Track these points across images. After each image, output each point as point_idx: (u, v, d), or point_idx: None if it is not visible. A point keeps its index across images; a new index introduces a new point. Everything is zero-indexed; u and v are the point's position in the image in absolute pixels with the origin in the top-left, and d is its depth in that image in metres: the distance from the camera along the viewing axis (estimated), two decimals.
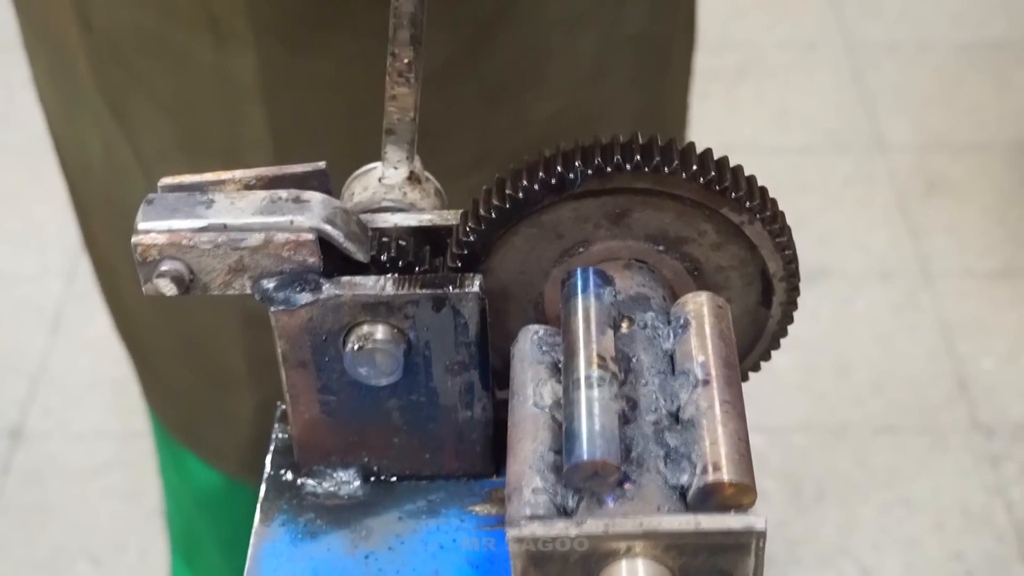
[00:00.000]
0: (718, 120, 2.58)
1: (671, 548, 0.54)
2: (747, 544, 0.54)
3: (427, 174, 0.75)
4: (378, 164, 0.74)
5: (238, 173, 0.67)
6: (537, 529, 0.54)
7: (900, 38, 3.03)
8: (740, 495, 0.57)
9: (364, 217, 0.69)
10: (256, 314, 1.13)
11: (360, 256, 0.66)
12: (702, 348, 0.62)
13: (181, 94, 1.05)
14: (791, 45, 3.01)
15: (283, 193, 0.65)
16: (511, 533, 0.54)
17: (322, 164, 0.68)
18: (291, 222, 0.64)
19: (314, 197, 0.65)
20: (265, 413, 1.20)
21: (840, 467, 2.18)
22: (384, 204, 0.73)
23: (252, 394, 1.21)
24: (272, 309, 0.65)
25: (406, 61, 0.72)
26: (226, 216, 0.64)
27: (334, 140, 0.98)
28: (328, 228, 0.64)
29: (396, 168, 0.74)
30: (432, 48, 0.97)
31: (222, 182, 0.67)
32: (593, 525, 0.54)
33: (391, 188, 0.73)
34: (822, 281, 2.43)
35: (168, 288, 0.64)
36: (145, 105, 1.07)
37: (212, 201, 0.65)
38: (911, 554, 2.06)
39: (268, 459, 0.73)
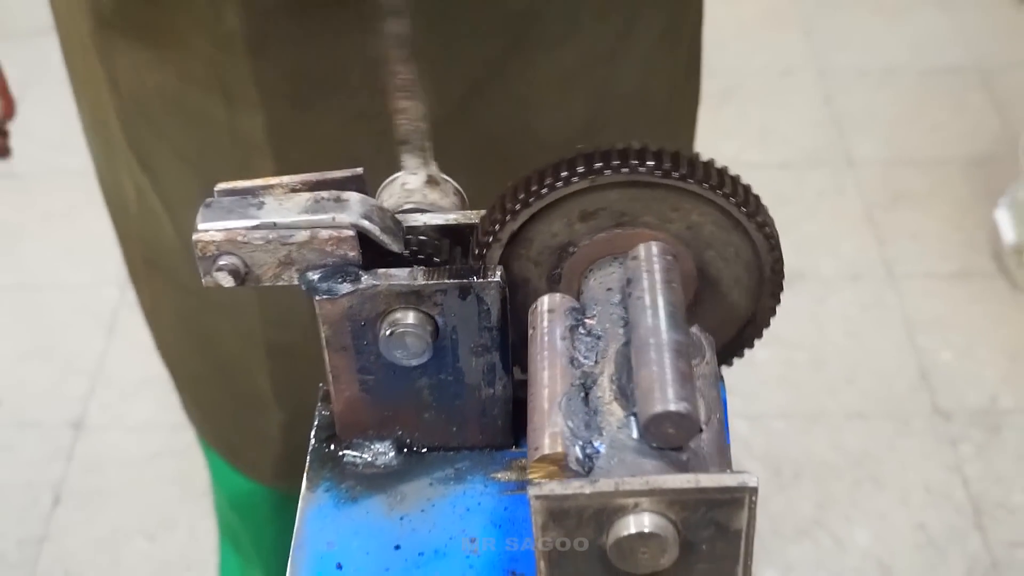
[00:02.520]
0: (705, 139, 2.57)
1: (674, 503, 0.55)
2: (741, 499, 0.55)
3: (444, 176, 0.76)
4: (401, 173, 0.75)
5: (285, 179, 0.68)
6: (556, 488, 0.55)
7: (867, 64, 3.03)
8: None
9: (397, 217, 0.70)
10: (278, 344, 1.13)
11: (395, 248, 0.66)
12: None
13: (199, 148, 1.04)
14: (769, 71, 3.02)
15: (325, 194, 0.66)
16: (532, 491, 0.55)
17: (359, 170, 0.69)
18: (333, 219, 0.65)
19: (352, 196, 0.66)
20: (291, 430, 1.20)
21: (816, 449, 2.18)
22: (407, 206, 0.73)
23: (278, 413, 1.20)
24: (316, 298, 0.66)
25: (408, 77, 0.73)
26: (275, 215, 0.65)
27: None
28: (366, 223, 0.65)
29: (415, 174, 0.74)
30: (423, 103, 0.97)
31: (271, 186, 0.68)
32: (604, 484, 0.55)
33: (412, 192, 0.74)
34: (798, 283, 2.44)
35: (226, 280, 0.65)
36: (169, 157, 1.06)
37: (263, 203, 0.66)
38: (879, 526, 2.06)
39: (312, 433, 0.74)
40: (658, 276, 0.65)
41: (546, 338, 0.64)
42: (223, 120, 1.00)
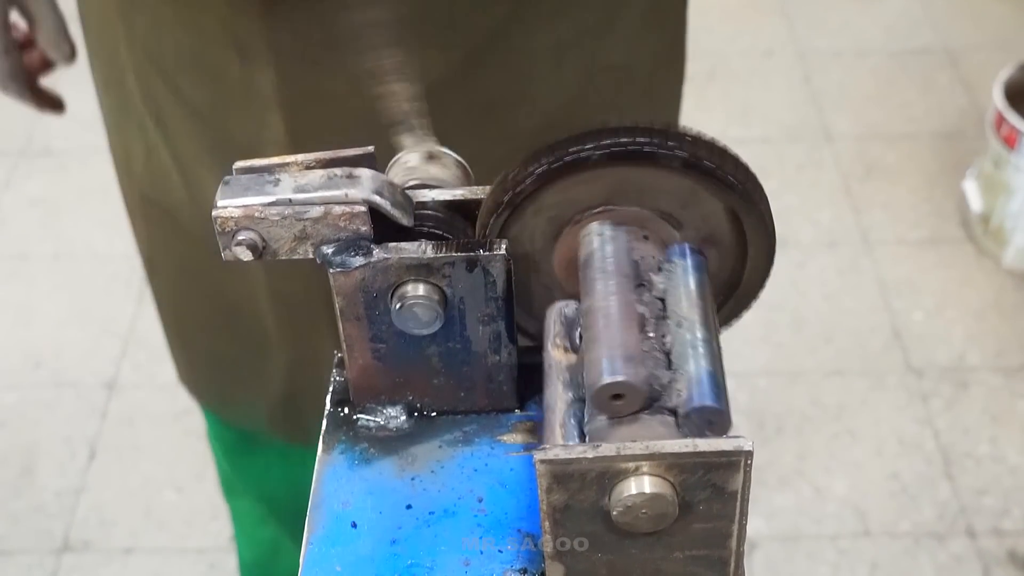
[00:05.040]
0: (691, 116, 2.56)
1: (673, 467, 0.53)
2: (737, 462, 0.53)
3: (443, 150, 0.73)
4: (402, 152, 0.73)
5: (300, 156, 0.66)
6: (560, 452, 0.53)
7: (842, 46, 3.01)
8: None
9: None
10: (281, 292, 1.10)
11: (405, 221, 0.64)
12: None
13: (212, 103, 1.01)
14: (751, 53, 2.99)
15: (338, 171, 0.64)
16: (538, 456, 0.53)
17: (371, 148, 0.67)
18: (346, 195, 0.63)
19: (364, 173, 0.64)
20: (295, 370, 1.18)
21: (796, 404, 2.17)
22: (412, 183, 0.71)
23: (282, 354, 1.18)
24: (331, 271, 0.64)
25: (396, 60, 0.71)
26: (291, 192, 0.63)
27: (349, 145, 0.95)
28: (377, 199, 0.63)
29: (414, 152, 0.72)
30: (427, 66, 0.93)
31: (286, 164, 0.66)
32: (607, 448, 0.53)
33: (413, 169, 0.71)
34: (779, 249, 2.41)
35: (244, 254, 0.63)
36: (182, 113, 1.03)
37: (279, 180, 0.64)
38: (856, 475, 2.05)
39: (328, 399, 0.72)
40: (609, 248, 0.63)
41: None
42: (236, 75, 0.97)
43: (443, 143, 0.95)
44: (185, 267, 1.18)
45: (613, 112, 1.07)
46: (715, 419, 0.56)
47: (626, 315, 0.59)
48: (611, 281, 0.61)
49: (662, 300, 0.62)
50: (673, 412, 0.57)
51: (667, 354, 0.59)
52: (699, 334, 0.59)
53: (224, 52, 0.96)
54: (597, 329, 0.58)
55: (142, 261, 1.28)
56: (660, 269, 0.64)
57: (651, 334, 0.60)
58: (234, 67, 0.97)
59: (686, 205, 0.66)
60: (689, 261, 0.64)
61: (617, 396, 0.55)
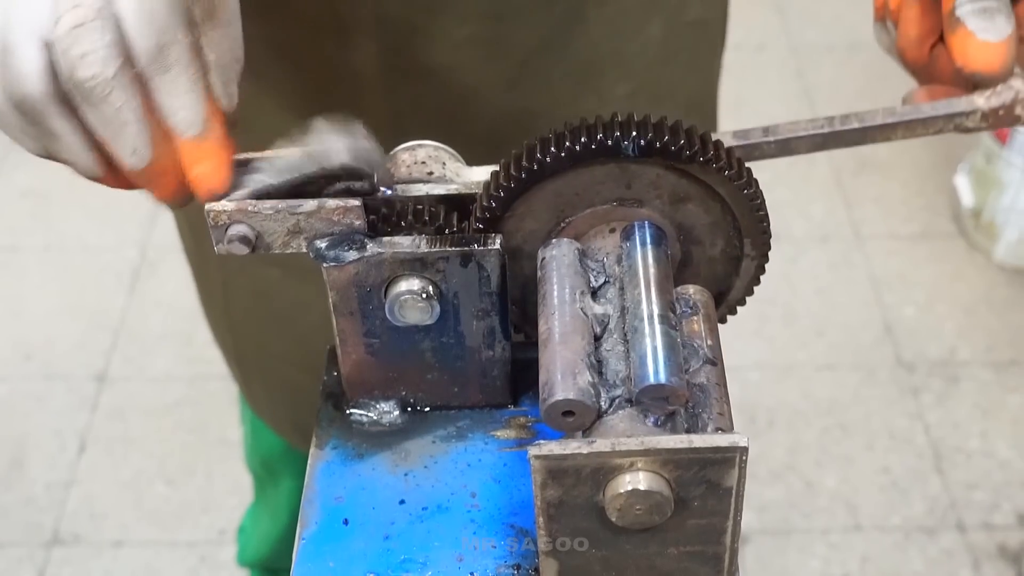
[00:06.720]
0: None
1: (668, 463, 0.53)
2: (732, 458, 0.53)
3: (439, 145, 0.72)
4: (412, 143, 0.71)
5: (292, 150, 0.66)
6: (555, 448, 0.53)
7: (835, 40, 3.01)
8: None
9: (400, 187, 0.67)
10: None
11: (372, 179, 0.63)
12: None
13: (305, 92, 0.96)
14: (744, 47, 2.99)
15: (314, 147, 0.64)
16: (533, 451, 0.53)
17: None
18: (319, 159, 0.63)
19: (336, 139, 0.64)
20: None
21: (788, 398, 2.17)
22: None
23: None
24: (324, 265, 0.64)
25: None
26: (269, 177, 0.63)
27: (447, 124, 0.90)
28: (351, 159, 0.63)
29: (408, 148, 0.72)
30: (528, 27, 0.92)
31: (279, 157, 0.65)
32: (602, 444, 0.53)
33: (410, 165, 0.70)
34: (772, 244, 2.41)
35: (238, 248, 0.63)
36: (271, 109, 0.98)
37: (258, 168, 0.64)
38: (847, 469, 2.05)
39: (320, 394, 0.72)
40: (552, 268, 0.63)
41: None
42: (334, 58, 0.93)
43: (543, 113, 0.93)
44: (259, 293, 1.13)
45: (695, 71, 1.07)
46: (667, 394, 0.56)
47: (570, 333, 0.59)
48: (552, 302, 0.61)
49: (622, 290, 0.62)
50: (630, 401, 0.57)
51: (626, 348, 0.59)
52: (644, 312, 0.59)
53: (319, 35, 0.92)
54: (542, 355, 0.59)
55: (207, 291, 1.22)
56: (620, 260, 0.64)
57: (606, 339, 0.60)
58: (331, 48, 0.92)
59: (630, 183, 0.65)
60: (638, 238, 0.64)
61: (567, 413, 0.56)
